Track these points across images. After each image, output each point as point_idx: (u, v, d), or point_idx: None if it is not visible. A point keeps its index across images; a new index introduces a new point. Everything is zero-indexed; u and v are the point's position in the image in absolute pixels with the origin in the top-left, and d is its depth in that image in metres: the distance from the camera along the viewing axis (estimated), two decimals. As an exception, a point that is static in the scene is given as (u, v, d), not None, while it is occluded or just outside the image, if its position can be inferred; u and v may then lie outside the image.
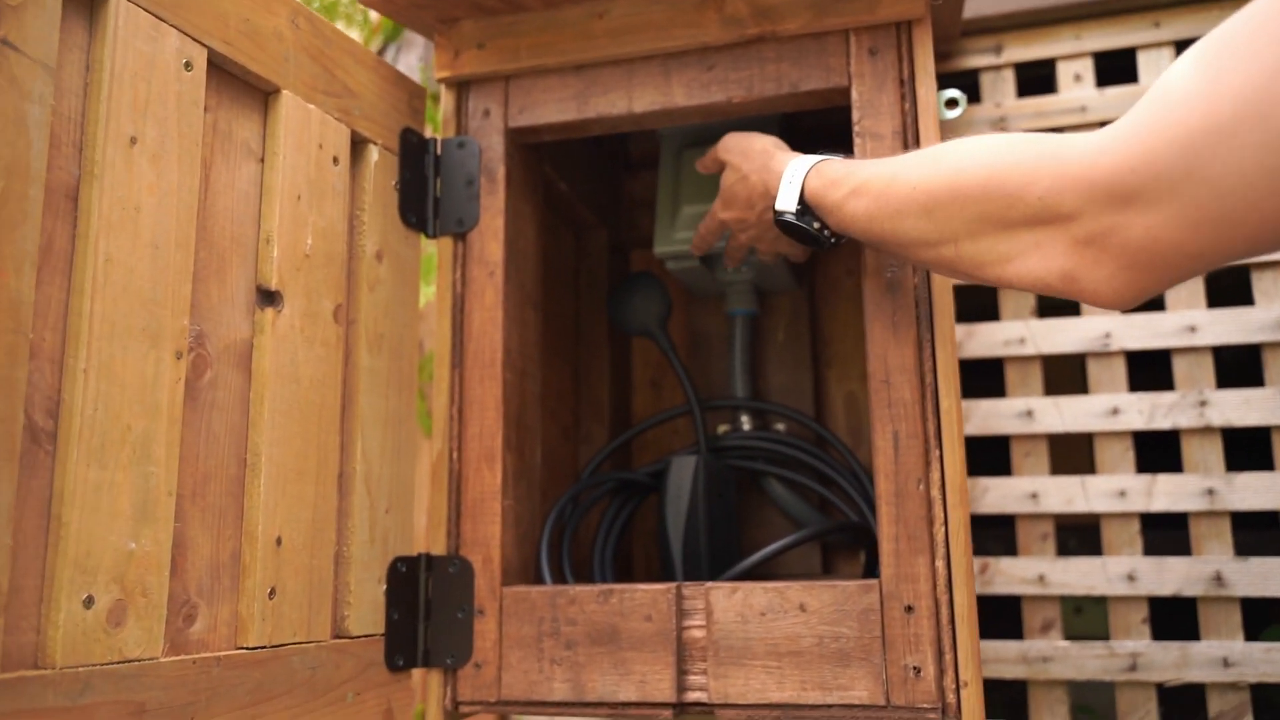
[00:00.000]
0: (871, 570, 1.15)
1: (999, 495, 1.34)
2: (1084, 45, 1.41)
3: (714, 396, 1.39)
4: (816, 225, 0.91)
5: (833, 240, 0.93)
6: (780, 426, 1.34)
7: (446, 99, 1.11)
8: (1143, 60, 1.39)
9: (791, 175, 0.92)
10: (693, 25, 1.03)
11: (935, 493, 0.91)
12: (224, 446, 0.82)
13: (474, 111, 1.10)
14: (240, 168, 0.87)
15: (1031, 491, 1.33)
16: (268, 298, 0.87)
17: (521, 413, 1.08)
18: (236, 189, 0.86)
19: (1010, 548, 1.36)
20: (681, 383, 1.26)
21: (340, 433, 0.94)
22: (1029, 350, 1.36)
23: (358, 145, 1.01)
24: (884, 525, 0.91)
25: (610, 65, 1.06)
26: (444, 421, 1.04)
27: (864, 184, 0.84)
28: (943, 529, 0.90)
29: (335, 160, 0.95)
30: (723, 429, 1.35)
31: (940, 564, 0.89)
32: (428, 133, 1.10)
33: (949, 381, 0.92)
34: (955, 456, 0.91)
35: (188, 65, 0.80)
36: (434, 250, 1.13)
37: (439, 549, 1.01)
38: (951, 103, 1.01)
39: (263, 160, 0.89)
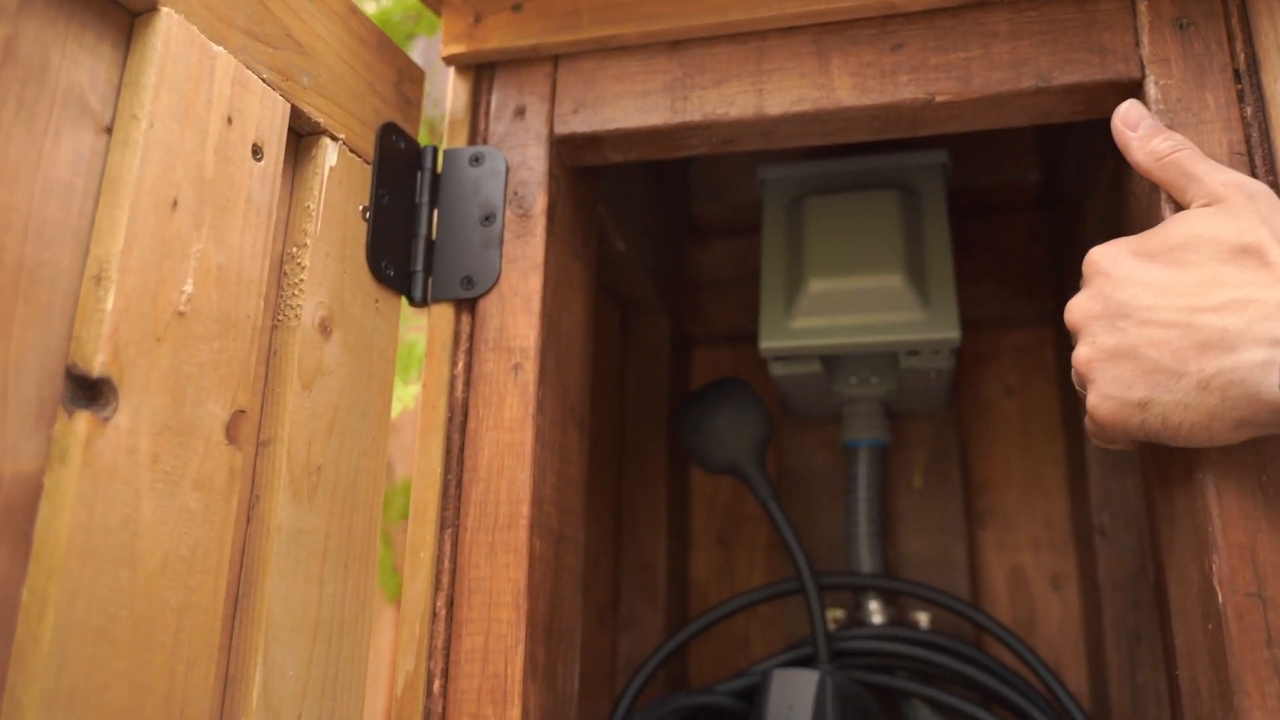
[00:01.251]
0: None
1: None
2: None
3: (821, 569, 0.95)
4: None
5: None
6: (923, 617, 0.90)
7: (458, 88, 0.69)
8: None
9: None
10: (871, -23, 0.63)
11: (1385, 828, 0.46)
12: (-69, 719, 0.37)
13: (500, 109, 0.68)
14: (61, 138, 0.44)
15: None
16: (85, 391, 0.43)
17: (556, 608, 0.63)
18: (44, 177, 0.43)
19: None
20: (789, 548, 0.82)
21: (224, 656, 0.49)
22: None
23: (305, 137, 0.59)
24: None
25: (726, 41, 0.65)
26: (421, 625, 0.59)
27: None
28: None
29: (256, 150, 0.53)
30: (836, 617, 0.91)
31: None
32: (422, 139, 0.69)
33: (1387, 603, 0.49)
34: None
35: (-63, -100, 0.38)
36: (417, 328, 0.71)
37: None
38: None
39: (110, 130, 0.47)
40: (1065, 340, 0.94)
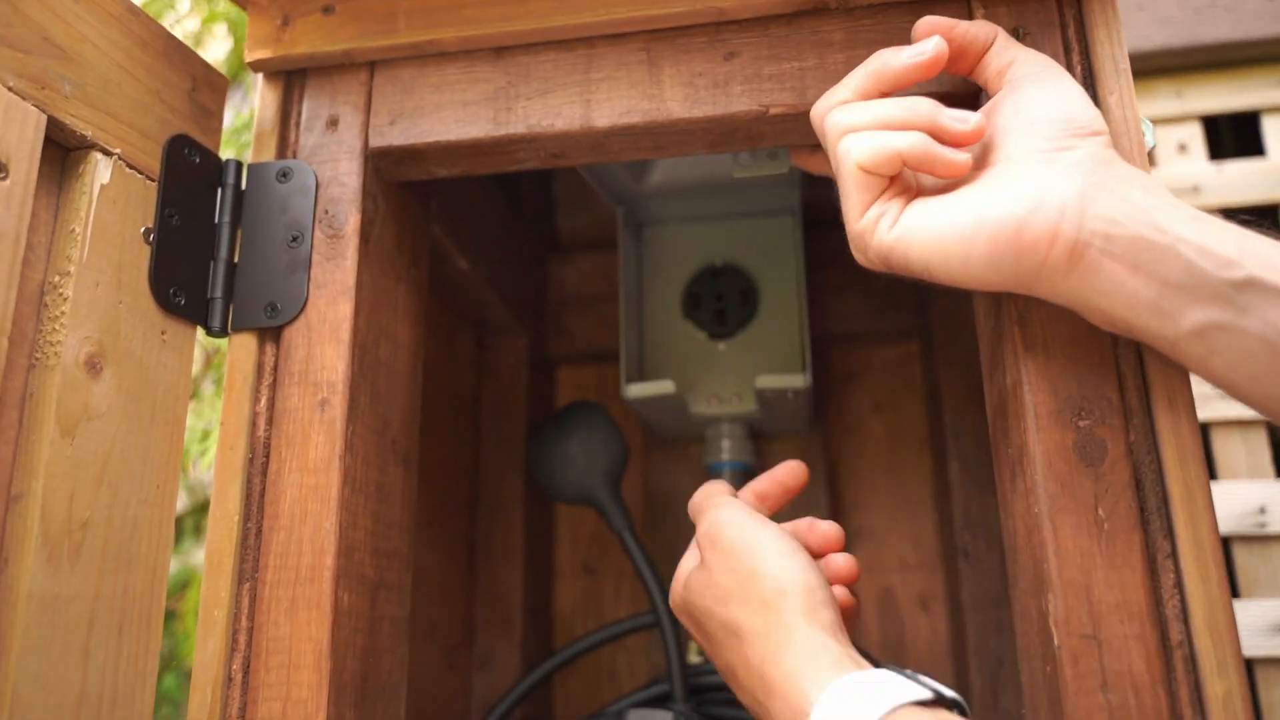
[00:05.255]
0: None
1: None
2: (1188, 106, 1.03)
3: (686, 595, 0.91)
4: None
5: None
6: (789, 645, 0.87)
7: (267, 97, 0.64)
8: (1270, 126, 1.02)
9: None
10: (702, -18, 0.59)
11: None
12: None
13: (311, 120, 0.63)
14: None
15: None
16: None
17: (370, 664, 0.58)
18: None
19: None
20: (644, 579, 0.78)
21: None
22: (1273, 529, 0.97)
23: (72, 152, 0.53)
24: None
25: (553, 48, 0.61)
26: (214, 691, 0.53)
27: None
28: None
29: (-2, 168, 0.47)
30: (700, 653, 0.87)
31: None
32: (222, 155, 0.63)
33: (1221, 639, 0.47)
34: (1251, 798, 0.45)
35: None
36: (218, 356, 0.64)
37: None
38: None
39: None
40: (932, 354, 0.92)
